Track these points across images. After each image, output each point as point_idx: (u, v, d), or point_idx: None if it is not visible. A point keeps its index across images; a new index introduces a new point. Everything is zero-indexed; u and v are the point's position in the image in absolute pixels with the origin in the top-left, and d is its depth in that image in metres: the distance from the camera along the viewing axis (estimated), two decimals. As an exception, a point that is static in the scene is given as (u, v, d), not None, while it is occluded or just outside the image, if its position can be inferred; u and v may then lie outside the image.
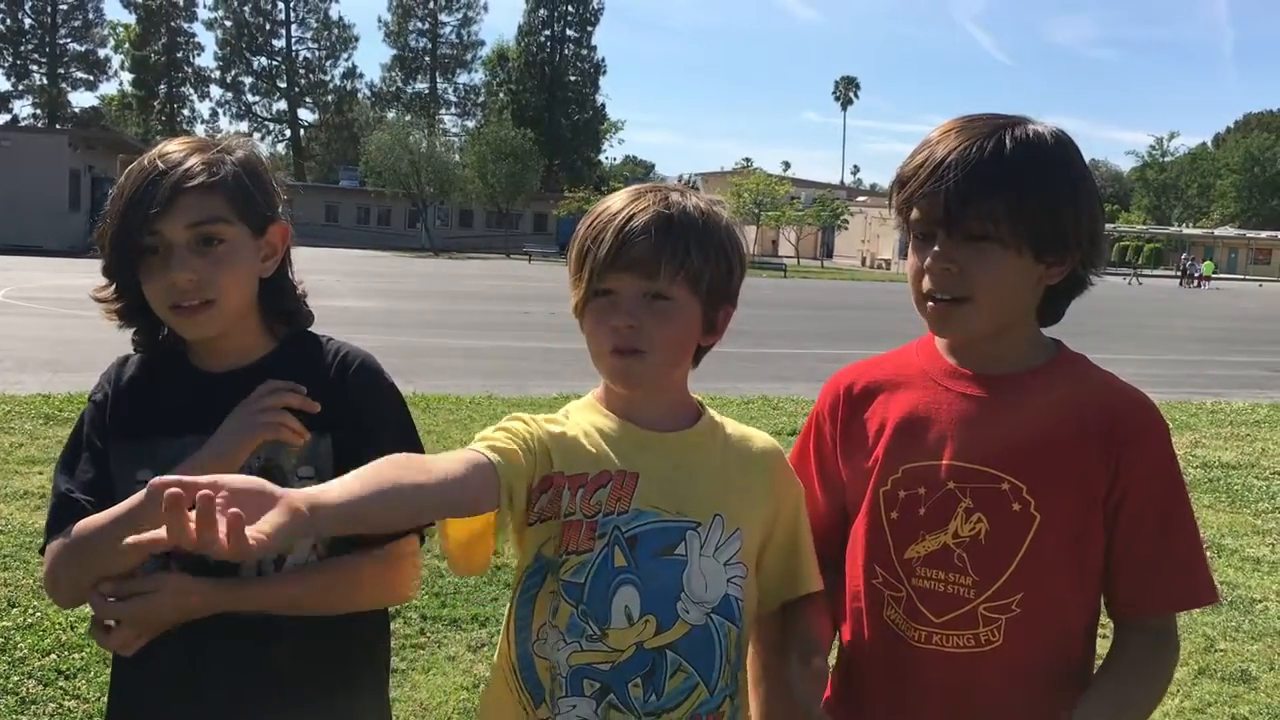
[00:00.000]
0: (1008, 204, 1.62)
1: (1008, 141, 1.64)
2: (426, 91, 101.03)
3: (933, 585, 1.72)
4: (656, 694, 1.68)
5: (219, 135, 1.86)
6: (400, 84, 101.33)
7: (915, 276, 1.73)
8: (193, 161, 1.77)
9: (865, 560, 1.80)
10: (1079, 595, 1.72)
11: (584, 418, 1.77)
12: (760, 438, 1.85)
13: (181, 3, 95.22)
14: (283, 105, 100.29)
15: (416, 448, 1.91)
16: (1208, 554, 6.29)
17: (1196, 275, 62.29)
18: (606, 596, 1.69)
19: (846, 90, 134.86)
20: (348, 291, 23.40)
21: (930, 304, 1.71)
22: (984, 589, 1.69)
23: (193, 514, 1.18)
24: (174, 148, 1.82)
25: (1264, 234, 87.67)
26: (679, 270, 1.64)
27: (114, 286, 1.84)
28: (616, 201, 1.70)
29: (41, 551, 1.88)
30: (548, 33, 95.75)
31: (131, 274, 1.80)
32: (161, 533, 1.18)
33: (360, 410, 1.87)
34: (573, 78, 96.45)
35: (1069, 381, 1.75)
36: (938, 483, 1.72)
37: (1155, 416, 1.73)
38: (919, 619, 1.73)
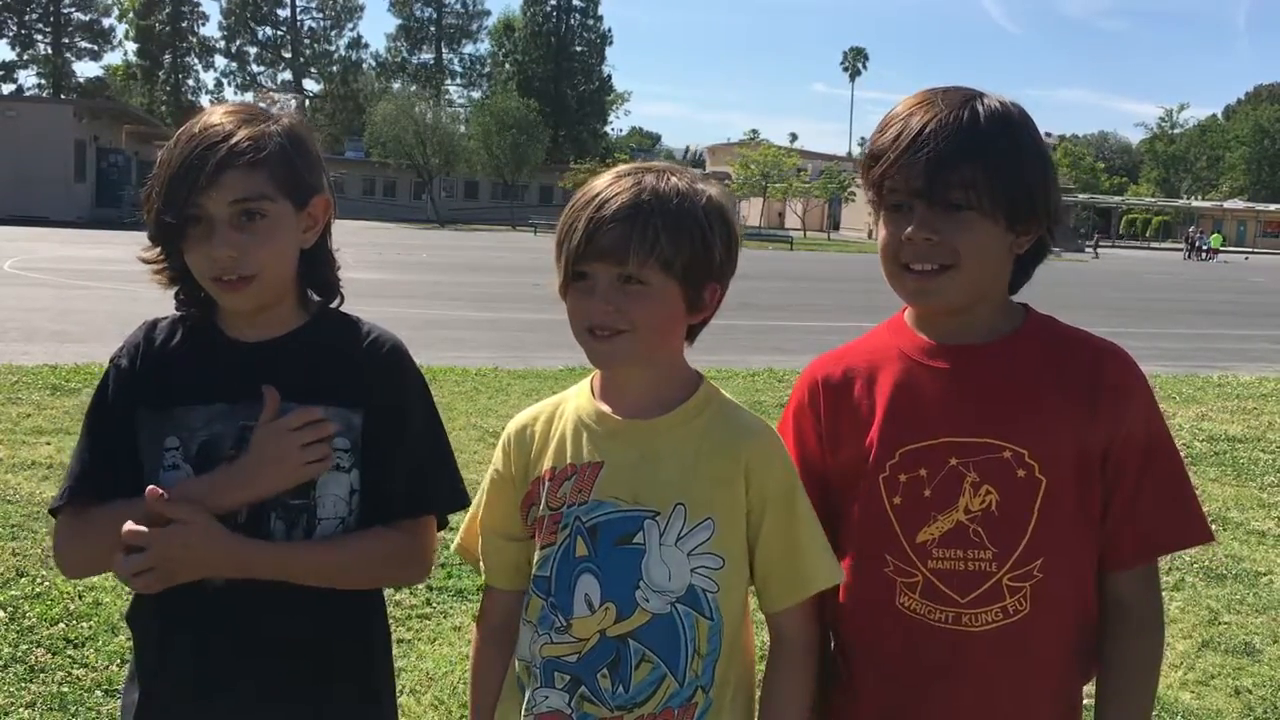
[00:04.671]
0: (986, 172, 1.64)
1: (980, 111, 1.66)
2: (432, 62, 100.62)
3: (952, 565, 1.70)
4: (624, 686, 1.69)
5: (268, 99, 1.85)
6: (405, 54, 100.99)
7: (889, 249, 1.72)
8: (240, 136, 1.76)
9: (872, 550, 1.76)
10: (1089, 550, 1.73)
11: (573, 404, 1.82)
12: (746, 421, 1.78)
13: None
14: (287, 75, 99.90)
15: (440, 431, 1.96)
16: (1214, 527, 6.30)
17: (1204, 249, 62.02)
18: (570, 586, 1.72)
19: (855, 61, 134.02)
20: (354, 263, 23.13)
21: (910, 275, 1.71)
22: (1004, 560, 1.69)
23: None
24: (221, 119, 1.80)
25: (1273, 206, 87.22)
26: (649, 255, 1.64)
27: (159, 251, 1.84)
28: (595, 186, 1.71)
29: (52, 512, 1.88)
30: (554, 2, 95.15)
31: (176, 243, 1.80)
32: None
33: (390, 392, 1.89)
34: (579, 48, 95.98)
35: (1046, 342, 1.76)
36: (939, 461, 1.71)
37: (1134, 366, 1.76)
38: (942, 601, 1.71)
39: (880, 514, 1.75)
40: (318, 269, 1.93)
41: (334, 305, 1.97)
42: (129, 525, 1.71)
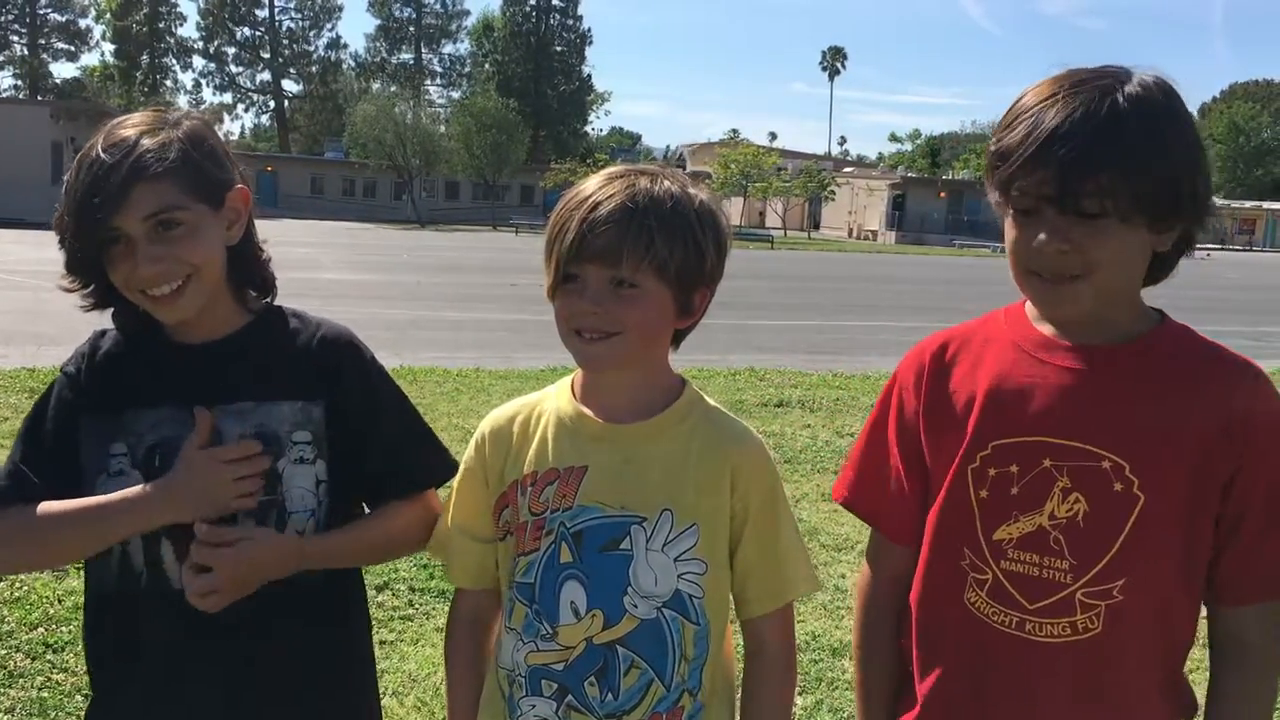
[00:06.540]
0: (1126, 178, 1.48)
1: (1121, 103, 1.50)
2: (411, 62, 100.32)
3: (1025, 569, 1.62)
4: (613, 693, 1.68)
5: (164, 109, 1.82)
6: (385, 54, 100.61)
7: (1019, 254, 1.59)
8: (139, 150, 1.72)
9: (950, 540, 1.69)
10: (1186, 584, 1.62)
11: (552, 405, 1.79)
12: (732, 427, 1.78)
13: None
14: (266, 76, 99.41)
15: (411, 407, 1.99)
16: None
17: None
18: (554, 593, 1.70)
19: (834, 61, 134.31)
20: (333, 264, 23.27)
21: (1040, 282, 1.59)
22: (1082, 573, 1.59)
23: None
24: (118, 134, 1.75)
25: (1248, 204, 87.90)
26: (642, 259, 1.62)
27: (80, 278, 1.81)
28: (587, 188, 1.68)
29: None
30: (533, 2, 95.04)
31: (96, 267, 1.77)
32: None
33: (353, 379, 1.89)
34: (559, 48, 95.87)
35: (1178, 353, 1.63)
36: (1032, 460, 1.62)
37: (1272, 390, 1.61)
38: (1007, 603, 1.63)
39: (964, 504, 1.67)
40: (248, 264, 1.91)
41: (273, 302, 1.96)
42: (199, 546, 1.72)
